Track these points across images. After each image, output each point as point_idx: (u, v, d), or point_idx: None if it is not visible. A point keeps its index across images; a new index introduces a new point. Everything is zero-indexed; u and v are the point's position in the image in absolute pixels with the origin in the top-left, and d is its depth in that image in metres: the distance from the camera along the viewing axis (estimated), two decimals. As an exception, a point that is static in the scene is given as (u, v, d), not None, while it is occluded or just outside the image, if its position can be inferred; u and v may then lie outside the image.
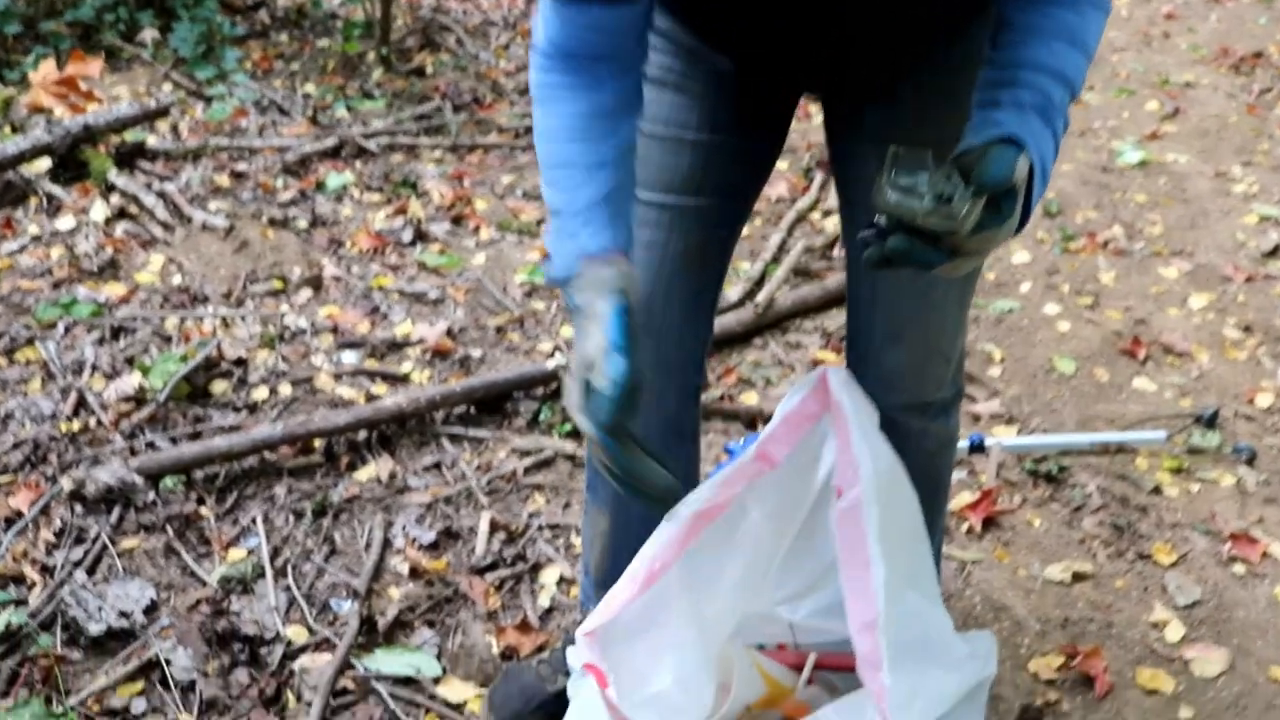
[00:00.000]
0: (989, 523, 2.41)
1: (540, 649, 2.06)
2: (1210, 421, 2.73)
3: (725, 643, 1.59)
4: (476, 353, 2.95)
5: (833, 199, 3.66)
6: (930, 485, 1.66)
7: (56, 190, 3.56)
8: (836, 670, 1.69)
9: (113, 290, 3.14)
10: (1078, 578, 2.28)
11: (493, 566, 2.27)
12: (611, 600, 1.42)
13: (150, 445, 2.53)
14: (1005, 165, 1.09)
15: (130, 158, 3.77)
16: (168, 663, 2.00)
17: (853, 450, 1.41)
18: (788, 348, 3.03)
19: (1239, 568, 2.31)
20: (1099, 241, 3.66)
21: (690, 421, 1.74)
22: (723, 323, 2.97)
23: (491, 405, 2.70)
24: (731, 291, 3.17)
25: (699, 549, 1.47)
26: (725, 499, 1.47)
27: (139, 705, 1.94)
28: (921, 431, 1.65)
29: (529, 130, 4.16)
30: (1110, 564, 2.33)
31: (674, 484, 1.30)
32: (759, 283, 3.25)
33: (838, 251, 3.46)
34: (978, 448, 2.56)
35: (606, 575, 1.78)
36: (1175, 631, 2.16)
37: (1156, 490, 2.53)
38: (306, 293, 3.20)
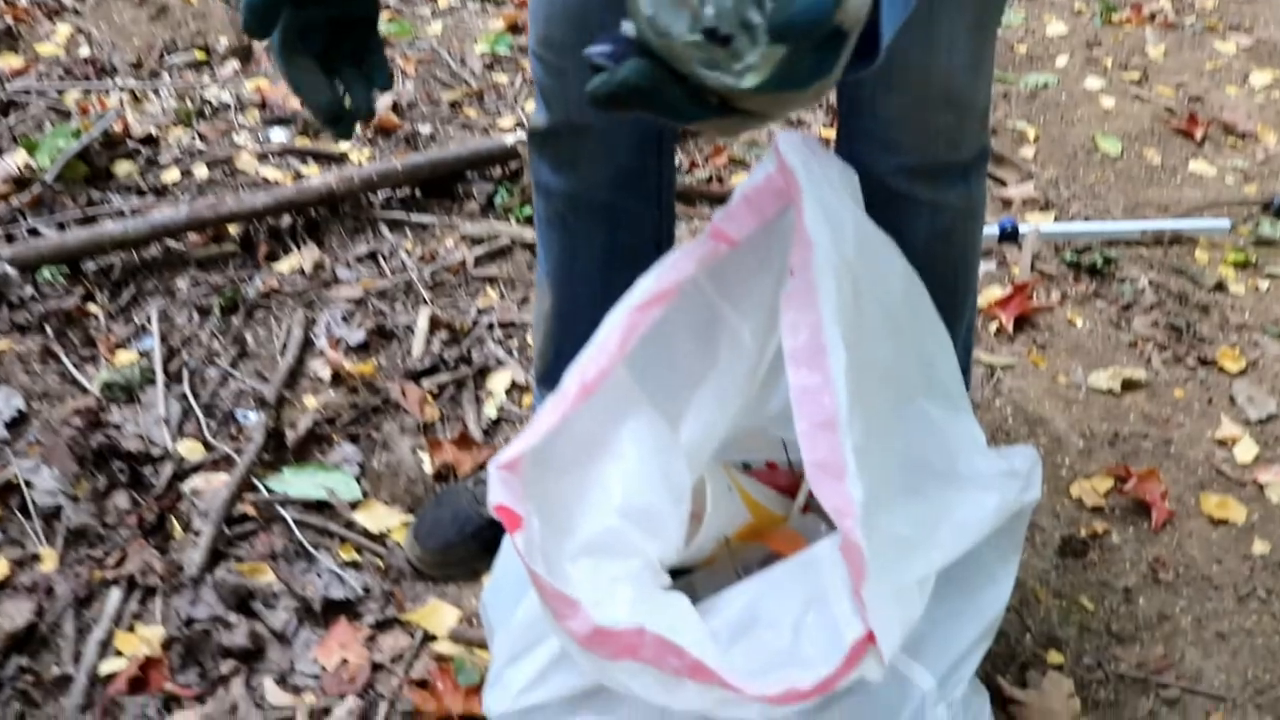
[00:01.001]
0: (1022, 322, 2.04)
1: (481, 468, 1.71)
2: (1280, 210, 2.34)
3: (702, 465, 1.23)
4: (426, 129, 2.53)
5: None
6: (949, 269, 1.29)
7: (-50, -50, 3.10)
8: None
9: (7, 63, 2.70)
10: (1128, 386, 1.92)
11: (431, 371, 1.91)
12: (537, 423, 1.05)
13: (33, 232, 2.14)
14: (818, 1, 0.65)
15: (40, -84, 3.29)
16: (28, 484, 1.65)
17: (804, 219, 1.04)
18: (786, 124, 2.62)
19: (1319, 375, 1.95)
20: (1145, 14, 3.21)
21: (653, 177, 1.34)
22: (712, 96, 2.56)
23: (439, 187, 2.30)
24: (724, 63, 2.74)
25: (650, 347, 1.10)
26: (671, 284, 1.09)
27: (-10, 535, 1.60)
28: (933, 203, 1.25)
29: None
30: (1167, 371, 1.96)
31: (334, 102, 0.93)
32: (756, 53, 2.81)
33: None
34: (1009, 235, 2.17)
35: (550, 367, 1.44)
36: (1247, 450, 1.81)
37: (1219, 287, 2.16)
38: (233, 65, 2.76)
